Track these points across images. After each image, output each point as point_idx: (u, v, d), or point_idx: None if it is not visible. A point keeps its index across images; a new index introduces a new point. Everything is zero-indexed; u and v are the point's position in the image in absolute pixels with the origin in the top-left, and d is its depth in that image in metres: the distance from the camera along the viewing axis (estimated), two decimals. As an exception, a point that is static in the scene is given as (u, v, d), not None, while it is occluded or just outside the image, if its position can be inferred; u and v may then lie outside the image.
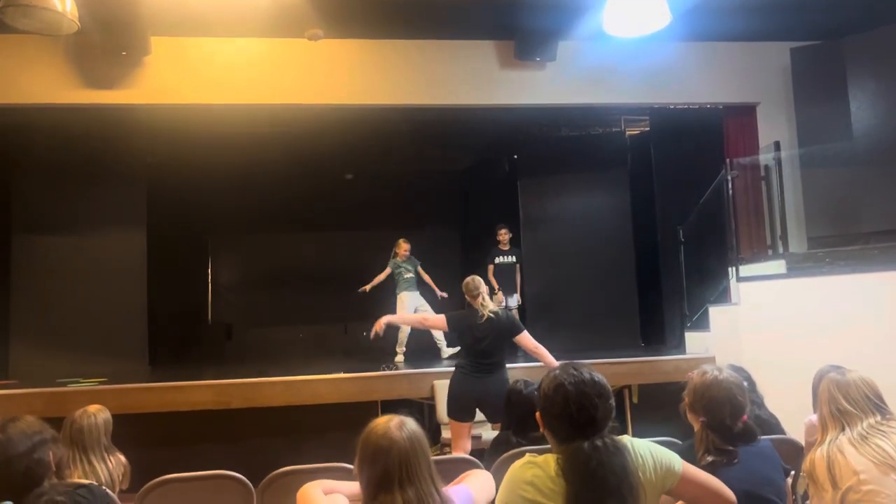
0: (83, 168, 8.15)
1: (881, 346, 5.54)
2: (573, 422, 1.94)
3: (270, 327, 10.13)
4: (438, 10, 6.77)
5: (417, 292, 8.21)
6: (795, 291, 6.26)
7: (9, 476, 2.23)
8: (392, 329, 8.13)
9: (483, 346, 4.95)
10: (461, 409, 4.97)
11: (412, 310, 8.04)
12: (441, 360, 7.74)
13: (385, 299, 8.43)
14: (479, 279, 5.13)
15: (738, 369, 3.46)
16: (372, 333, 5.21)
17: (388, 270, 8.26)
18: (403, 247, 8.26)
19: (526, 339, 5.00)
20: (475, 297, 5.03)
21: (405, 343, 7.96)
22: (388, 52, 7.30)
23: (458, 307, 9.30)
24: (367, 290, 8.25)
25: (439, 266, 8.86)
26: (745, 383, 2.47)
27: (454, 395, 5.01)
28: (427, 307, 8.11)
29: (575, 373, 2.00)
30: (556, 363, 4.83)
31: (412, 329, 7.88)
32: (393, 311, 8.19)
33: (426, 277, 8.32)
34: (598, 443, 1.89)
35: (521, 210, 9.39)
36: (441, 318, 5.23)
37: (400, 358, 7.86)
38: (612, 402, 2.03)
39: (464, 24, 7.13)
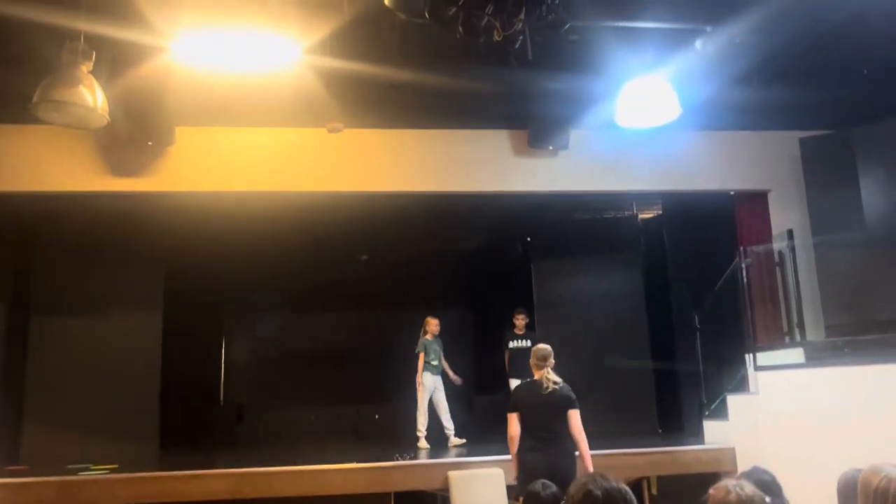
0: (102, 251, 8.26)
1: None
2: None
3: (283, 409, 10.04)
4: (455, 100, 6.97)
5: (439, 377, 8.11)
6: (815, 382, 6.18)
7: None
8: (410, 406, 8.13)
9: (545, 419, 4.88)
10: None
11: (430, 392, 8.00)
12: (448, 449, 7.67)
13: (401, 382, 8.36)
14: (550, 349, 5.08)
15: (763, 472, 3.40)
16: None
17: (421, 355, 8.04)
18: (433, 323, 8.16)
19: (575, 417, 4.89)
20: (542, 367, 4.98)
21: (426, 413, 7.89)
22: (405, 140, 7.51)
23: (464, 393, 9.36)
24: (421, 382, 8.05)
25: (454, 348, 8.83)
26: (768, 498, 2.40)
27: (528, 472, 4.74)
28: (442, 391, 8.07)
29: (602, 481, 2.14)
30: (588, 455, 4.81)
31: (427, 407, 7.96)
32: (408, 394, 8.17)
33: (444, 365, 8.25)
34: None
35: (535, 292, 9.41)
36: (512, 418, 4.99)
37: (423, 444, 7.78)
38: None
39: (479, 113, 7.36)
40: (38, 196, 7.00)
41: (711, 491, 2.37)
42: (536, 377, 5.03)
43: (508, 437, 5.01)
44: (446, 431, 7.97)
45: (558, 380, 5.00)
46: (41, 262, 8.48)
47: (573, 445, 4.89)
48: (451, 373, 8.28)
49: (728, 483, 2.35)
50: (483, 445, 7.32)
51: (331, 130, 6.46)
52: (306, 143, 7.27)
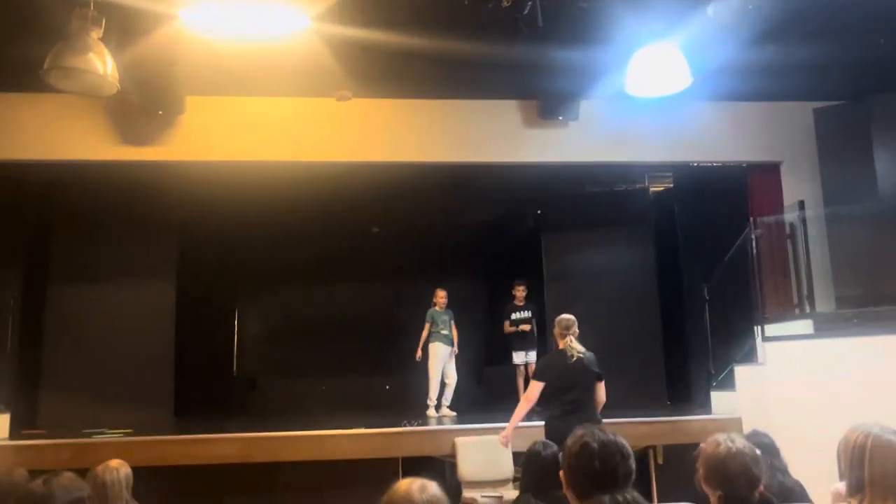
0: (117, 221, 8.35)
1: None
2: (596, 476, 1.99)
3: (294, 379, 10.17)
4: (464, 70, 6.93)
5: (451, 347, 8.21)
6: (823, 353, 6.17)
7: None
8: (420, 377, 8.21)
9: (572, 388, 4.95)
10: None
11: (443, 362, 8.07)
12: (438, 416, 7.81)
13: (412, 353, 8.41)
14: (573, 318, 5.15)
15: (762, 435, 3.43)
16: (504, 444, 5.29)
17: (427, 326, 8.21)
18: (440, 295, 8.31)
19: (601, 389, 5.02)
20: (565, 336, 5.05)
21: (438, 382, 7.99)
22: (415, 110, 7.49)
23: (473, 365, 9.44)
24: (420, 356, 8.20)
25: (465, 319, 8.87)
26: (761, 452, 2.43)
27: (555, 440, 4.86)
28: (453, 361, 8.13)
29: (598, 433, 2.11)
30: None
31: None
32: (418, 365, 8.24)
33: (454, 333, 8.31)
34: (620, 498, 1.92)
35: (544, 265, 9.40)
36: (537, 386, 5.07)
37: (433, 413, 7.87)
38: (633, 464, 2.09)
39: (488, 83, 7.30)
40: (51, 164, 7.05)
41: (703, 445, 2.40)
42: (560, 346, 5.09)
43: (525, 398, 5.13)
44: (442, 399, 8.08)
45: (582, 349, 5.06)
46: (56, 230, 8.58)
47: (597, 413, 5.00)
48: (455, 347, 8.31)
49: (719, 436, 2.38)
50: (490, 414, 7.39)
51: (339, 98, 6.44)
52: (315, 113, 7.27)
